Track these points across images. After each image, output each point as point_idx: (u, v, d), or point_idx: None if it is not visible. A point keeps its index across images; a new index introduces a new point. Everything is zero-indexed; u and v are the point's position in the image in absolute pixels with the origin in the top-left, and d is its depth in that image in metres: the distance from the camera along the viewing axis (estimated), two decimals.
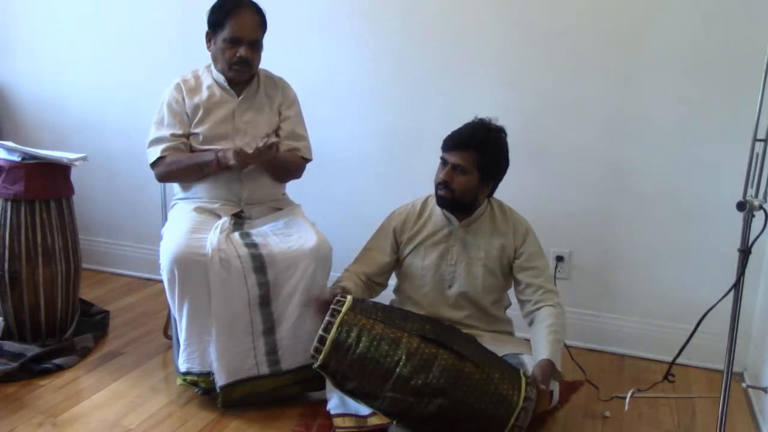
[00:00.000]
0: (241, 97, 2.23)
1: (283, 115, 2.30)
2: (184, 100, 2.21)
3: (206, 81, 2.25)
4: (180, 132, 2.19)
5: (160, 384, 2.25)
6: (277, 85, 2.33)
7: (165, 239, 2.08)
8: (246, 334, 2.03)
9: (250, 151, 2.05)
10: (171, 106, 2.21)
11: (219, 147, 2.16)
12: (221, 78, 2.23)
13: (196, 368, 2.05)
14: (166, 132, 2.19)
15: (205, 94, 2.22)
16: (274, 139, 2.06)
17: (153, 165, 2.21)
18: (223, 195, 2.21)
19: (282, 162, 2.24)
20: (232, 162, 2.07)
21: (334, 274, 2.17)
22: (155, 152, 2.19)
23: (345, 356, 1.77)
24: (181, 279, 1.99)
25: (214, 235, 2.04)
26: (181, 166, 2.18)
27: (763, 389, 2.06)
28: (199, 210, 2.18)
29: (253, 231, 2.15)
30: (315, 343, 1.80)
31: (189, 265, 1.98)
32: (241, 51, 2.14)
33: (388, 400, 1.75)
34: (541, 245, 2.14)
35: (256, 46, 2.18)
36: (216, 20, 2.16)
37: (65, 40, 3.21)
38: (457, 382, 1.72)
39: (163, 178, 2.25)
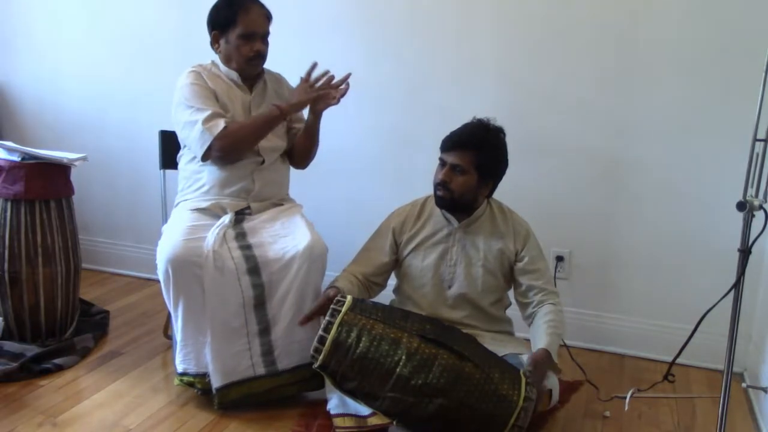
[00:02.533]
0: (253, 93, 2.25)
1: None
2: (211, 85, 2.18)
3: (219, 77, 2.25)
4: (220, 110, 2.15)
5: (160, 384, 2.25)
6: (280, 81, 2.36)
7: (162, 239, 2.08)
8: (241, 336, 2.03)
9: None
10: (202, 89, 2.15)
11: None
12: (233, 74, 2.23)
13: (192, 369, 2.06)
14: (211, 109, 2.11)
15: (222, 87, 2.21)
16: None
17: (217, 138, 2.07)
18: (234, 191, 2.21)
19: (317, 135, 2.32)
20: (296, 100, 2.16)
21: (334, 274, 2.17)
22: (217, 125, 2.08)
23: (345, 356, 1.77)
24: (175, 279, 1.99)
25: (211, 236, 2.05)
26: (249, 130, 2.12)
27: (763, 389, 2.06)
28: (200, 210, 2.18)
29: (248, 229, 2.14)
30: (315, 343, 1.80)
31: (184, 266, 1.98)
32: (258, 45, 2.17)
33: (388, 400, 1.75)
34: (541, 247, 2.13)
35: (267, 38, 2.22)
36: (226, 19, 2.16)
37: (65, 40, 3.21)
38: (457, 382, 1.72)
39: (228, 149, 2.10)
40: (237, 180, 2.20)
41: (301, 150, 2.35)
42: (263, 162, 2.22)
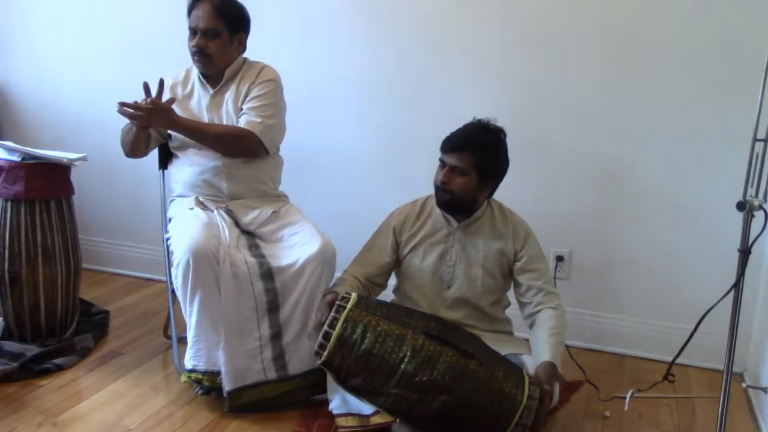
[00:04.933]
0: (213, 90, 2.26)
1: (249, 95, 2.24)
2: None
3: (193, 76, 2.30)
4: None
5: (160, 384, 2.25)
6: (252, 76, 2.28)
7: (179, 232, 2.08)
8: (253, 340, 2.03)
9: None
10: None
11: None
12: (197, 71, 2.28)
13: (202, 366, 2.05)
14: None
15: (188, 89, 2.27)
16: (146, 102, 2.09)
17: None
18: (204, 189, 2.24)
19: (201, 129, 2.17)
20: (135, 122, 2.11)
21: (336, 275, 2.16)
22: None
23: (350, 352, 1.77)
24: (195, 269, 1.98)
25: (224, 234, 2.07)
26: (122, 135, 2.27)
27: (763, 389, 2.06)
28: (196, 203, 2.21)
29: (259, 243, 2.17)
30: (320, 339, 1.79)
31: (205, 254, 1.98)
32: (197, 40, 2.17)
33: (393, 396, 1.75)
34: (541, 247, 2.13)
35: (210, 35, 2.17)
36: (188, 13, 2.22)
37: (65, 40, 3.21)
38: (461, 379, 1.72)
39: (122, 146, 2.29)
40: (203, 176, 2.23)
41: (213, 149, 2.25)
42: (225, 161, 2.21)
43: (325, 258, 2.07)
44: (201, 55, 2.18)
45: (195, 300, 2.01)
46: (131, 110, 2.05)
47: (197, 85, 2.29)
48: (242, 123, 2.19)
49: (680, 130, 2.43)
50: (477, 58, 2.61)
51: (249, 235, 2.18)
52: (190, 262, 1.97)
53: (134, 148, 2.25)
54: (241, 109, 2.22)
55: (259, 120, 2.18)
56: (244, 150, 2.20)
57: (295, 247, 2.12)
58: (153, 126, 2.14)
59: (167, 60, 2.99)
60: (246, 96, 2.23)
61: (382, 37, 2.72)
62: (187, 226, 2.08)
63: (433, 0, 2.63)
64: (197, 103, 2.27)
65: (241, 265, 2.03)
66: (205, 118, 2.24)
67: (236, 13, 2.23)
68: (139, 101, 2.09)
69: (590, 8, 2.44)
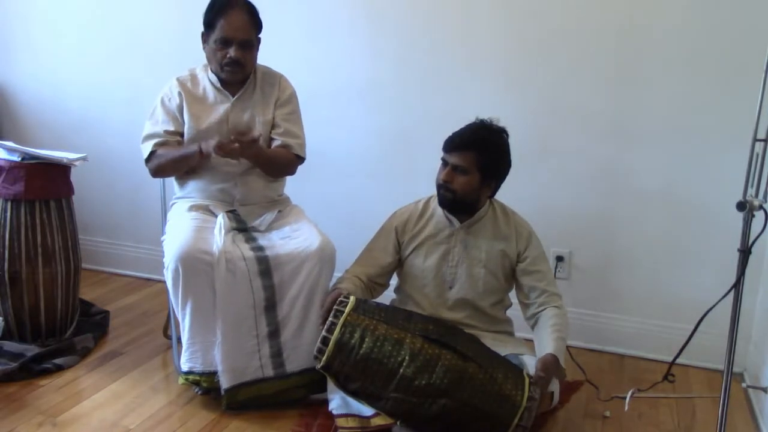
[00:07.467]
0: (235, 98, 2.23)
1: (278, 112, 2.27)
2: (180, 99, 2.21)
3: (203, 81, 2.26)
4: (173, 129, 2.21)
5: (160, 384, 2.25)
6: (275, 81, 2.31)
7: (170, 237, 2.08)
8: (251, 337, 2.03)
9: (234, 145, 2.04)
10: (164, 104, 2.23)
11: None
12: (215, 78, 2.23)
13: (199, 368, 2.05)
14: (159, 128, 2.21)
15: (200, 94, 2.23)
16: (255, 134, 2.07)
17: (146, 160, 2.23)
18: (216, 195, 2.23)
19: (271, 157, 2.23)
20: (213, 153, 2.05)
21: (336, 274, 2.17)
22: (147, 147, 2.21)
23: (348, 357, 1.77)
24: (185, 277, 1.98)
25: (219, 237, 2.05)
26: (169, 159, 2.18)
27: (763, 389, 2.06)
28: (197, 208, 2.19)
29: (258, 235, 2.17)
30: (318, 344, 1.80)
31: (194, 263, 1.98)
32: (231, 52, 2.13)
33: (392, 400, 1.75)
34: (543, 248, 2.13)
35: (247, 46, 2.16)
36: (208, 21, 2.17)
37: (65, 40, 3.21)
38: (460, 382, 1.72)
39: (156, 172, 2.24)
40: (218, 185, 2.22)
41: (261, 170, 2.27)
42: (241, 168, 2.21)
43: (324, 256, 2.07)
44: (237, 66, 2.16)
45: (187, 305, 2.02)
46: (230, 146, 2.03)
47: (211, 89, 2.24)
48: (292, 148, 2.25)
49: (680, 130, 2.43)
50: (478, 59, 2.61)
51: (245, 231, 2.18)
52: (179, 268, 1.97)
53: (180, 171, 2.25)
54: (276, 124, 2.26)
55: (302, 141, 2.29)
56: (293, 171, 2.33)
57: (295, 242, 2.12)
58: (243, 157, 2.13)
59: (167, 60, 2.99)
60: (274, 109, 2.26)
61: (384, 37, 2.72)
62: (179, 231, 2.07)
63: (434, 1, 2.63)
64: (214, 108, 2.23)
65: (239, 262, 2.02)
66: (228, 123, 2.21)
67: (259, 17, 2.22)
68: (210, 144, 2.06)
69: (591, 10, 2.44)
